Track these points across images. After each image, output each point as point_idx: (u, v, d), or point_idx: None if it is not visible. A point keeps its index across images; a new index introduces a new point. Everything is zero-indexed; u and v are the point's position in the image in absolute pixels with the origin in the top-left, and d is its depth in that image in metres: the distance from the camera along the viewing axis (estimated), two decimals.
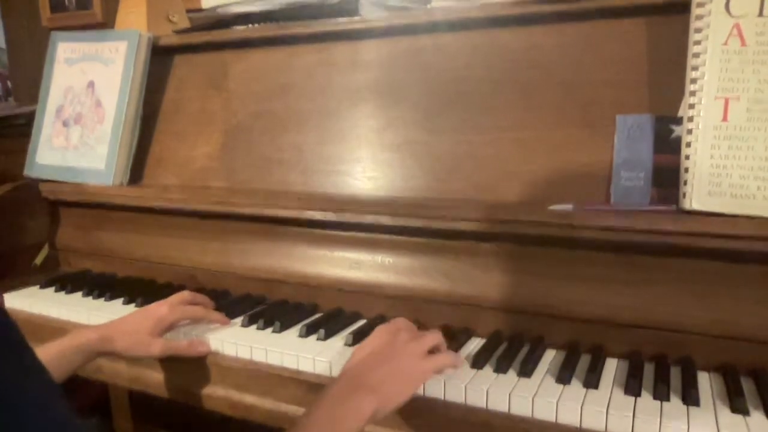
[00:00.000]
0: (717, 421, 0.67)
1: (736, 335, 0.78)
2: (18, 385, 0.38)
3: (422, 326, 0.96)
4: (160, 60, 1.30)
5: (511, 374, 0.79)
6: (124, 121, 1.26)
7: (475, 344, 0.89)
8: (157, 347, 0.92)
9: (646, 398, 0.72)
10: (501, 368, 0.80)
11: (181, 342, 0.94)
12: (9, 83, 2.65)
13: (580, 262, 0.86)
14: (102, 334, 0.92)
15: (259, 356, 0.90)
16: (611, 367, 0.81)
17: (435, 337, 0.80)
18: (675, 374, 0.77)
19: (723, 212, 0.78)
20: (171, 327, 0.96)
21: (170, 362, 0.96)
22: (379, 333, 0.80)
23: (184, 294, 1.01)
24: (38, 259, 1.35)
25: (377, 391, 0.70)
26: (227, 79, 1.23)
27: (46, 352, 0.87)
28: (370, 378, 0.72)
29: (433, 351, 0.80)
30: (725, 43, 0.80)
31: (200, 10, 1.33)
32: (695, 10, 0.81)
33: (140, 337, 0.92)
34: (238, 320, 1.00)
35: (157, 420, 1.60)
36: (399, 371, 0.74)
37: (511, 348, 0.85)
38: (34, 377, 0.41)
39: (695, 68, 0.81)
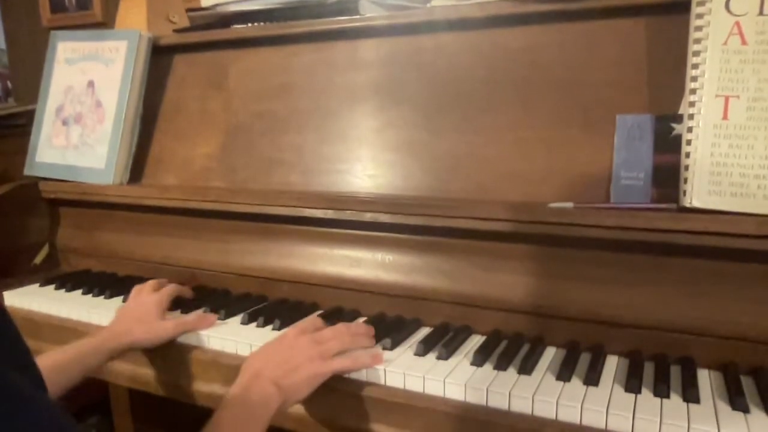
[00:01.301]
0: (717, 419, 0.67)
1: (737, 334, 0.78)
2: (11, 381, 0.38)
3: (421, 324, 0.96)
4: (160, 59, 1.31)
5: (511, 372, 0.79)
6: (124, 120, 1.26)
7: (474, 342, 0.89)
8: (170, 328, 0.94)
9: (646, 396, 0.72)
10: (501, 366, 0.80)
11: (189, 317, 0.97)
12: (9, 83, 2.65)
13: (581, 261, 0.86)
14: (114, 330, 0.94)
15: None
16: (611, 365, 0.81)
17: (337, 344, 0.82)
18: (675, 372, 0.77)
19: (723, 210, 0.78)
20: (167, 305, 1.00)
21: (170, 361, 0.96)
22: (284, 334, 0.85)
23: (152, 282, 1.06)
24: (38, 258, 1.35)
25: (278, 384, 0.74)
26: (227, 79, 1.23)
27: (63, 354, 0.88)
28: (268, 371, 0.76)
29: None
30: (725, 42, 0.80)
31: (200, 9, 1.33)
32: (695, 9, 0.81)
33: (152, 324, 0.95)
34: (238, 318, 1.00)
35: (157, 420, 1.60)
36: (294, 368, 0.77)
37: (511, 346, 0.85)
38: (26, 374, 0.41)
39: (695, 67, 0.81)
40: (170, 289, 1.03)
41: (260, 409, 0.72)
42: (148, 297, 1.00)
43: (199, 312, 0.99)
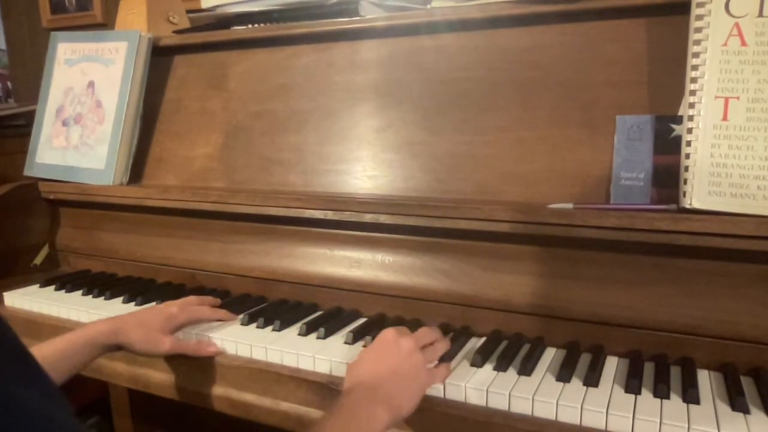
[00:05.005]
0: (717, 420, 0.67)
1: (737, 334, 0.78)
2: (14, 391, 0.38)
3: (421, 325, 0.96)
4: (160, 60, 1.31)
5: (511, 372, 0.79)
6: (124, 121, 1.26)
7: (474, 343, 0.89)
8: (167, 344, 0.91)
9: (646, 397, 0.72)
10: (501, 366, 0.80)
11: (190, 341, 0.94)
12: (9, 84, 2.65)
13: (580, 262, 0.86)
14: (112, 326, 0.91)
15: (258, 355, 0.90)
16: (611, 365, 0.81)
17: (441, 347, 0.82)
18: (675, 373, 0.77)
19: (723, 211, 0.78)
20: (180, 327, 0.96)
21: (170, 361, 0.96)
22: (383, 338, 0.79)
23: (192, 298, 1.01)
24: (38, 259, 1.35)
25: (389, 404, 0.71)
26: (227, 79, 1.23)
27: (54, 346, 0.87)
28: (383, 390, 0.72)
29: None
30: (725, 44, 0.80)
31: (200, 10, 1.33)
32: (695, 10, 0.81)
33: (151, 333, 0.91)
34: (238, 319, 1.00)
35: (157, 420, 1.60)
36: (408, 384, 0.74)
37: (511, 347, 0.85)
38: (33, 381, 0.40)
39: (695, 68, 0.81)
40: (194, 313, 0.98)
41: (367, 428, 0.68)
42: (166, 307, 0.96)
43: (203, 340, 0.95)
